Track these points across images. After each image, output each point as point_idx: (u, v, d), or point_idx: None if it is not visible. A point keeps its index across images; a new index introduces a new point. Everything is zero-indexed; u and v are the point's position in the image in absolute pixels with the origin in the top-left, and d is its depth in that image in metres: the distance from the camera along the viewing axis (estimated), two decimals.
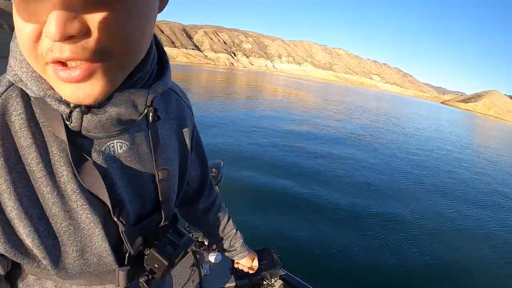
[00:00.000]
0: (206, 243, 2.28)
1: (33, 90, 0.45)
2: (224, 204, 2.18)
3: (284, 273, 2.23)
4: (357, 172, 8.58)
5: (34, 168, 0.47)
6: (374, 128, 17.98)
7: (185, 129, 0.69)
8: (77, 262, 0.52)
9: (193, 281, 2.18)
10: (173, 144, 0.66)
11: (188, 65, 68.77)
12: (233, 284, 1.78)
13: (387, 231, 5.25)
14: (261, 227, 4.99)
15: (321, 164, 8.88)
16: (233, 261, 1.51)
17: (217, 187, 2.16)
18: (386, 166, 9.86)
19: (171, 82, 0.62)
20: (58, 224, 0.50)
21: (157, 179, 0.59)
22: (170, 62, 0.57)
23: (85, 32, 0.35)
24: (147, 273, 0.62)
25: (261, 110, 19.10)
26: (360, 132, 15.52)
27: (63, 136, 0.47)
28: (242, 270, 1.45)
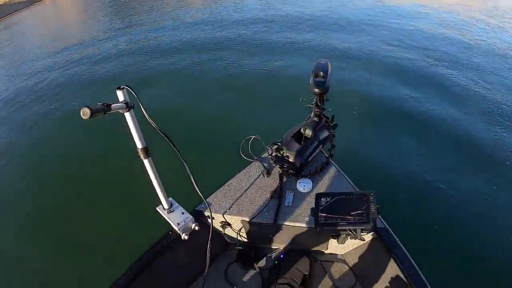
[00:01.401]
0: (298, 165, 1.87)
1: None
2: (332, 115, 1.96)
3: (383, 226, 1.65)
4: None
5: None
6: None
7: None
8: None
9: (268, 212, 1.79)
10: None
11: None
12: (311, 226, 1.57)
13: None
14: (367, 152, 3.95)
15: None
16: (317, 200, 1.37)
17: (325, 96, 1.86)
18: None
19: None
20: None
21: None
22: None
23: None
24: None
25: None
26: None
27: None
28: (326, 216, 1.31)
